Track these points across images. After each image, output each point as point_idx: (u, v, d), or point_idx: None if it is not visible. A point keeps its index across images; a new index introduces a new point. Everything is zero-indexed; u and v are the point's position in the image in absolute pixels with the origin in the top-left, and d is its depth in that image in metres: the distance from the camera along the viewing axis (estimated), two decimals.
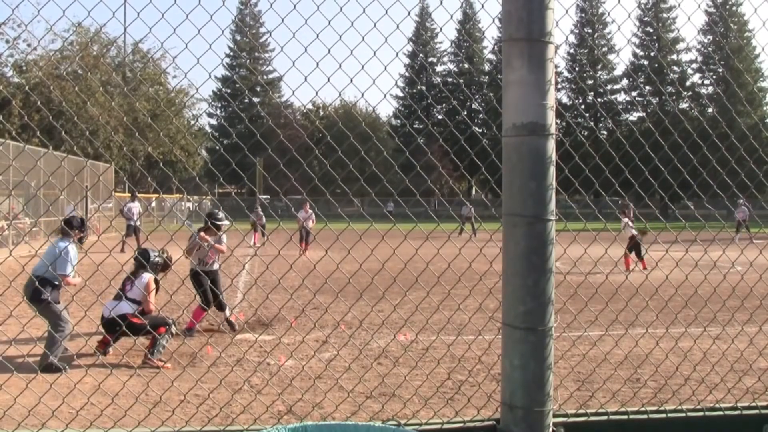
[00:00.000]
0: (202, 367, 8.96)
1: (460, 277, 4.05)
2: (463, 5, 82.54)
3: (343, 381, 8.00)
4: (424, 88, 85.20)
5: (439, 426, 3.00)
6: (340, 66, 3.27)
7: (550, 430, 2.87)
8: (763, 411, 3.28)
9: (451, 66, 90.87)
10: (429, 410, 5.59)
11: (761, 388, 7.21)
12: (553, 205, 2.75)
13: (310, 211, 28.59)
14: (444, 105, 78.24)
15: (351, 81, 3.30)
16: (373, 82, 3.37)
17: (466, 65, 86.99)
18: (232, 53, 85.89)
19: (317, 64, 3.28)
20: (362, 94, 3.56)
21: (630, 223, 22.52)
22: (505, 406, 2.88)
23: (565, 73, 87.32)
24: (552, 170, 2.75)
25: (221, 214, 12.60)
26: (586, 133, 72.19)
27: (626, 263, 22.10)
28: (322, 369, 8.94)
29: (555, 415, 2.97)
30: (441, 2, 3.72)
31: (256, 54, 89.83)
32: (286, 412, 6.96)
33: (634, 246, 21.99)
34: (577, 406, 5.71)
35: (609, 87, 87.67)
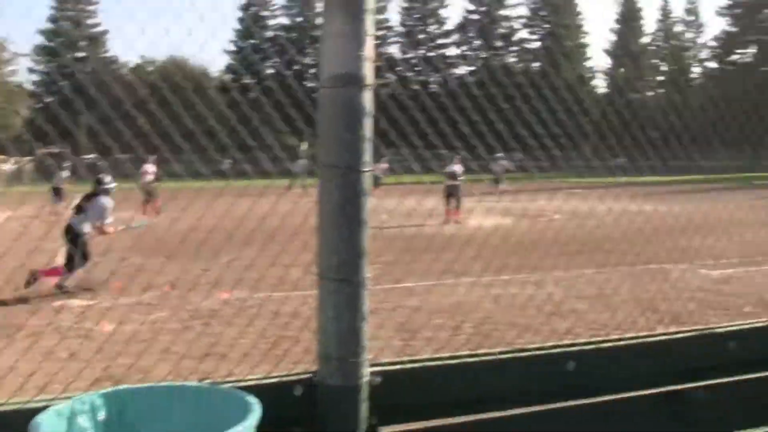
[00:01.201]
0: (19, 338, 8.60)
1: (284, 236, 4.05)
2: None
3: (168, 343, 7.86)
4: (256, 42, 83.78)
5: (256, 382, 3.00)
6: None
7: (366, 379, 2.91)
8: (567, 349, 3.45)
9: (285, 20, 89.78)
10: (254, 367, 5.59)
11: (580, 329, 7.58)
12: (367, 157, 2.76)
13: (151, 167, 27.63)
14: (277, 60, 77.33)
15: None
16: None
17: (299, 19, 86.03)
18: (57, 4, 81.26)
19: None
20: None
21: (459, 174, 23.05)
22: (320, 358, 2.90)
23: (398, 27, 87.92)
24: (368, 122, 2.76)
25: (108, 178, 12.72)
26: (417, 87, 73.12)
27: (450, 214, 22.60)
28: (146, 332, 8.75)
29: (371, 365, 3.02)
30: None
31: (81, 5, 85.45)
32: (107, 378, 6.77)
33: (453, 196, 22.38)
34: (406, 356, 5.85)
35: (440, 41, 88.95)
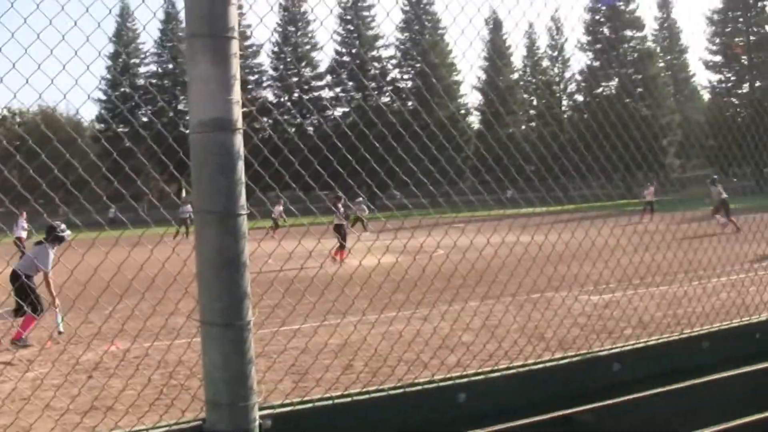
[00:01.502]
0: None
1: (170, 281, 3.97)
2: (165, 4, 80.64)
3: (50, 399, 7.59)
4: (128, 89, 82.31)
5: None
6: (39, 66, 3.07)
7: (257, 423, 2.88)
8: (457, 381, 3.48)
9: (154, 67, 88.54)
10: (141, 417, 5.44)
11: (468, 360, 7.65)
12: (243, 200, 2.75)
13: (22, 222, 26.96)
14: (150, 107, 76.05)
15: (51, 81, 3.12)
16: (76, 81, 3.19)
17: (171, 66, 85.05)
18: None
19: (14, 65, 3.07)
20: (64, 96, 3.36)
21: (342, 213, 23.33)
22: (209, 405, 2.85)
23: (271, 72, 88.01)
24: (241, 165, 2.75)
25: (63, 226, 12.51)
26: (293, 130, 72.98)
27: (336, 253, 22.65)
28: (26, 389, 8.42)
29: (261, 408, 2.98)
30: (143, 1, 3.59)
31: None
32: None
33: (344, 236, 22.56)
34: (300, 397, 5.77)
35: (314, 83, 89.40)
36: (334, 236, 22.44)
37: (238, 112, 2.75)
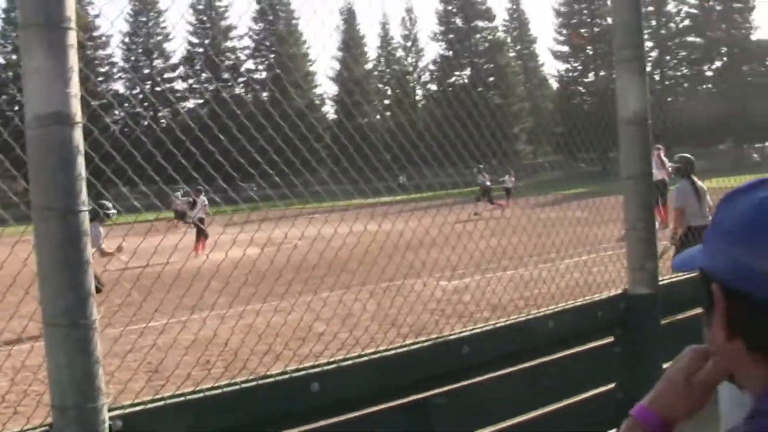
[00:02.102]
0: None
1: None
2: None
3: None
4: None
5: None
6: None
7: (106, 424, 2.81)
8: (310, 371, 3.49)
9: None
10: None
11: (320, 350, 7.68)
12: (84, 196, 2.67)
13: None
14: None
15: None
16: None
17: (14, 56, 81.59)
18: None
19: None
20: None
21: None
22: (55, 409, 2.76)
23: (122, 63, 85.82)
24: (81, 160, 2.67)
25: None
26: (146, 123, 71.30)
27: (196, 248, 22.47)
28: None
29: (111, 409, 2.92)
30: None
31: None
32: None
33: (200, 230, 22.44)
34: (152, 395, 5.67)
35: (166, 75, 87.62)
36: (195, 229, 22.35)
37: (77, 106, 2.67)
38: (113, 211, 12.44)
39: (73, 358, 2.69)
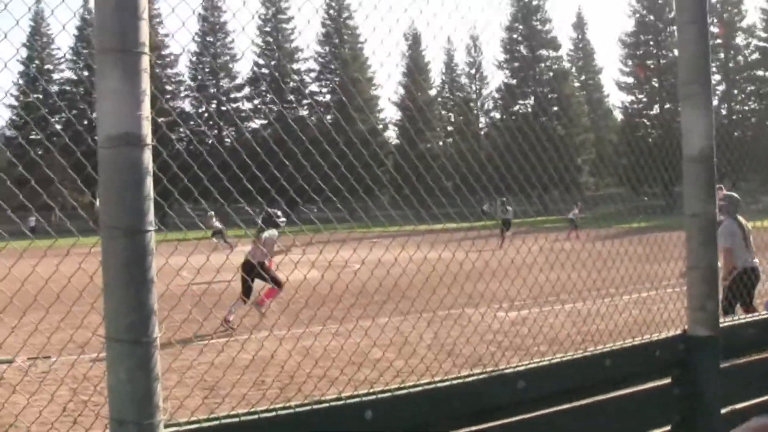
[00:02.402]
0: None
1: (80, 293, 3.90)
2: (83, 10, 79.00)
3: None
4: (40, 96, 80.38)
5: None
6: None
7: None
8: (364, 398, 3.49)
9: (70, 74, 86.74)
10: None
11: (376, 377, 7.68)
12: (151, 216, 2.73)
13: None
14: (62, 114, 74.35)
15: None
16: None
17: (86, 73, 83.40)
18: None
19: None
20: None
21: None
22: (114, 422, 2.81)
23: (189, 82, 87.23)
24: (149, 181, 2.73)
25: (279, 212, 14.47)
26: (211, 141, 72.18)
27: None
28: None
29: (167, 425, 2.96)
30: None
31: None
32: None
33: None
34: (208, 413, 5.71)
35: (232, 95, 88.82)
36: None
37: (147, 128, 2.74)
38: (283, 219, 14.31)
39: (133, 375, 2.74)
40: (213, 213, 37.27)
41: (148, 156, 2.73)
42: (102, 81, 2.72)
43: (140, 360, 2.74)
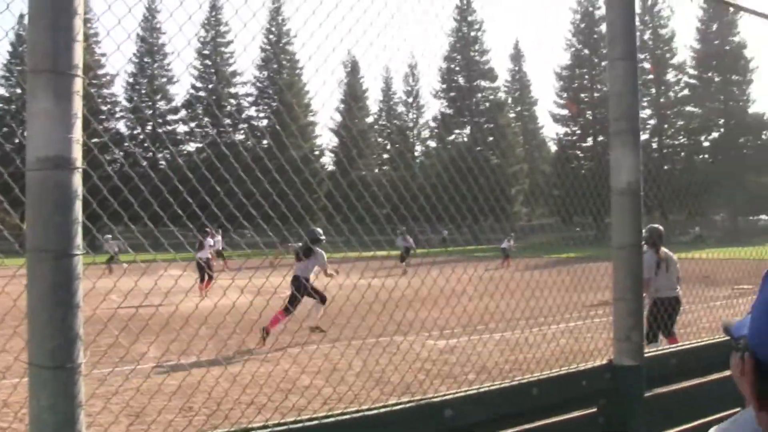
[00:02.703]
0: None
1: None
2: (17, 26, 77.36)
3: None
4: None
5: None
6: None
7: None
8: (292, 426, 3.48)
9: (2, 90, 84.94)
10: None
11: (304, 404, 7.66)
12: (79, 240, 2.71)
13: None
14: None
15: None
16: None
17: (18, 90, 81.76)
18: None
19: None
20: None
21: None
22: None
23: (124, 103, 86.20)
24: (78, 204, 2.71)
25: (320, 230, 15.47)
26: (146, 163, 71.29)
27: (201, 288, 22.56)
28: None
29: None
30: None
31: None
32: None
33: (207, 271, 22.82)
34: None
35: (168, 117, 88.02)
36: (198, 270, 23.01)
37: (78, 151, 2.71)
38: (324, 237, 15.20)
39: (55, 401, 2.69)
40: (110, 237, 37.05)
41: (77, 179, 2.71)
42: (33, 102, 2.69)
43: (63, 386, 2.70)
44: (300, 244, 15.07)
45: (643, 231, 12.47)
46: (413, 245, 37.35)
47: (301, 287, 13.47)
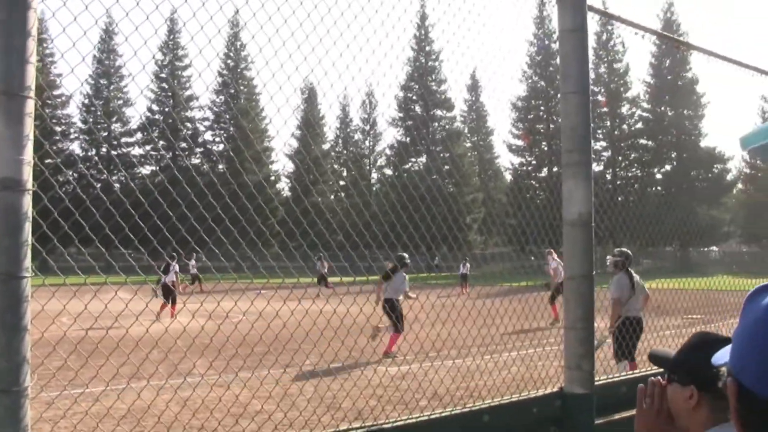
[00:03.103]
0: None
1: None
2: None
3: None
4: None
5: None
6: None
7: None
8: None
9: None
10: None
11: (254, 429, 7.60)
12: (28, 262, 2.69)
13: None
14: None
15: None
16: None
17: None
18: None
19: None
20: None
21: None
22: None
23: (79, 124, 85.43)
24: (28, 226, 2.70)
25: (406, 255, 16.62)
26: (100, 185, 70.45)
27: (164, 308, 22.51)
28: None
29: None
30: None
31: None
32: None
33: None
34: None
35: (124, 140, 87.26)
36: (163, 294, 23.17)
37: (28, 173, 2.71)
38: (409, 260, 16.79)
39: (1, 424, 2.67)
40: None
41: (27, 201, 2.70)
42: None
43: (8, 410, 2.68)
44: (390, 266, 16.25)
45: (615, 254, 12.82)
46: (326, 272, 37.15)
47: (396, 307, 15.24)
